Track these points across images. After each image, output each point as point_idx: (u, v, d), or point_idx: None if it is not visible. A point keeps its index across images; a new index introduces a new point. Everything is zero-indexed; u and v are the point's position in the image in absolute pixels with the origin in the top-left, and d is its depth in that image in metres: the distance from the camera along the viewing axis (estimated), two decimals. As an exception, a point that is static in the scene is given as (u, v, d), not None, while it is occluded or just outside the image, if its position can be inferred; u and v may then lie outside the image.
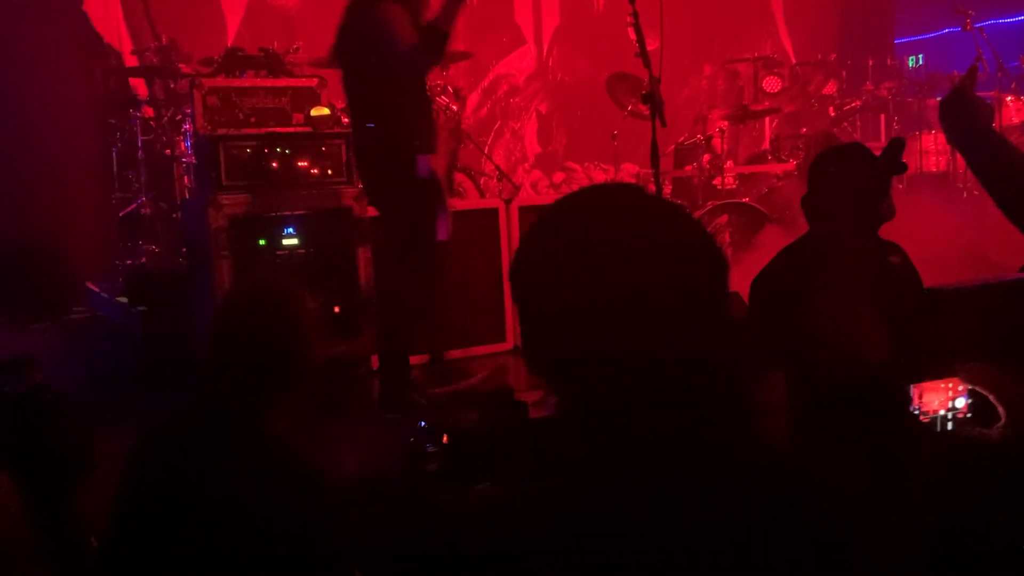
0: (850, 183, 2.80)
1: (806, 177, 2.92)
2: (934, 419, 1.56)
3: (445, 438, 2.83)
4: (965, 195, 7.11)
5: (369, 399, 4.23)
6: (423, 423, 2.89)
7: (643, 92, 4.10)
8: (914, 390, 1.56)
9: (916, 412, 1.57)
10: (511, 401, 3.07)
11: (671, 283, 0.97)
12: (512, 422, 2.86)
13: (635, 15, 4.01)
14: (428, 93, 4.29)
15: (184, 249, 5.07)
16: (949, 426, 1.55)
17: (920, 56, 9.55)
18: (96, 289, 5.95)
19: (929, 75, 8.49)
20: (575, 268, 0.98)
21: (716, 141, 6.16)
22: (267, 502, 1.62)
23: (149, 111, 5.91)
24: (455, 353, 4.93)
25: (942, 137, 7.66)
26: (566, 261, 0.99)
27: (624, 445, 0.96)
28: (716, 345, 1.00)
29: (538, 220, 1.07)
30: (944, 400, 1.56)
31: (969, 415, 1.57)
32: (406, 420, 3.69)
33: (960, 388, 1.56)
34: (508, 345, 5.12)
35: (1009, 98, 7.71)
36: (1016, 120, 7.80)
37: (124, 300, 5.28)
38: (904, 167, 3.10)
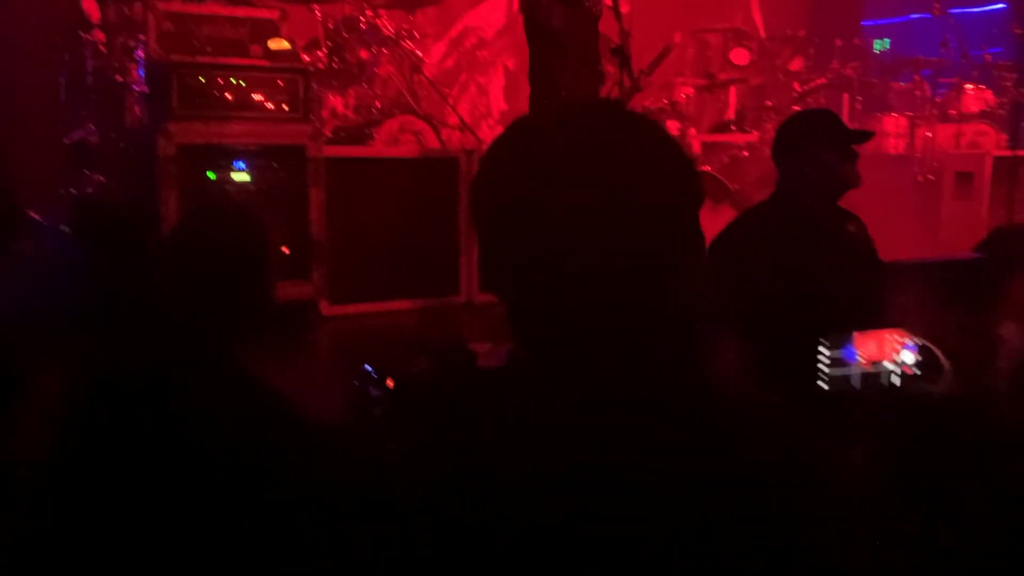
0: (816, 150, 2.80)
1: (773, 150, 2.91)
2: (877, 371, 1.53)
3: (391, 383, 2.78)
4: (921, 179, 7.18)
5: (316, 344, 4.15)
6: (368, 367, 2.83)
7: (612, 47, 4.04)
8: (855, 338, 1.53)
9: (838, 364, 1.54)
10: (461, 350, 3.01)
11: (642, 209, 0.91)
12: (461, 370, 2.80)
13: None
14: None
15: (131, 180, 4.90)
16: (896, 381, 1.53)
17: (886, 40, 9.59)
18: (39, 218, 5.74)
19: (894, 59, 8.53)
20: (540, 185, 0.92)
21: (682, 107, 6.12)
22: (238, 428, 1.55)
23: (100, 35, 5.67)
24: (405, 304, 4.85)
25: (903, 120, 7.72)
26: (531, 178, 0.93)
27: (572, 386, 0.92)
28: (681, 286, 0.95)
29: (505, 132, 1.02)
30: (887, 351, 1.54)
31: (917, 372, 1.55)
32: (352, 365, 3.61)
33: (905, 340, 1.54)
34: (461, 298, 5.05)
35: (969, 86, 7.77)
36: (975, 109, 7.88)
37: (67, 230, 5.10)
38: (870, 134, 3.11)
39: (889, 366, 1.49)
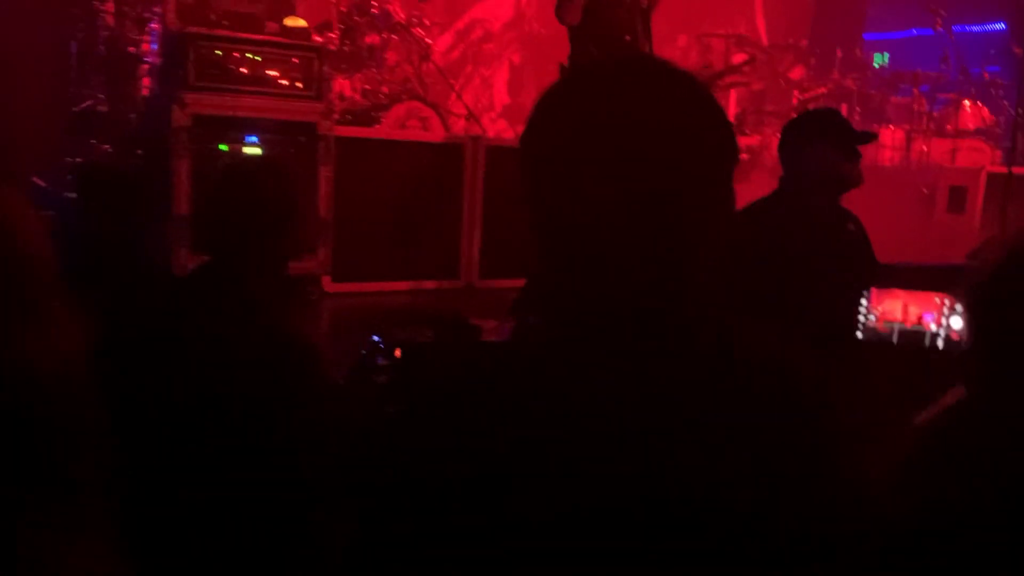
0: (821, 146, 2.88)
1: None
2: (919, 331, 1.58)
3: (398, 352, 2.82)
4: (915, 191, 7.27)
5: (320, 319, 4.21)
6: (376, 337, 2.87)
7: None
8: (900, 294, 1.58)
9: (879, 322, 1.57)
10: (465, 324, 3.07)
11: (680, 161, 0.93)
12: (466, 341, 2.86)
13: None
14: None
15: (139, 151, 4.94)
16: (939, 343, 1.56)
17: (886, 54, 9.69)
18: (42, 184, 5.76)
19: (893, 73, 8.62)
20: (581, 139, 0.94)
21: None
22: (255, 362, 1.61)
23: (112, 7, 5.70)
24: (406, 285, 4.91)
25: (900, 132, 7.82)
26: (573, 133, 0.95)
27: (586, 356, 0.92)
28: (712, 241, 0.96)
29: (552, 87, 1.04)
30: (935, 313, 1.58)
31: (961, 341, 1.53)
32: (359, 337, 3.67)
33: (953, 306, 1.57)
34: (460, 283, 5.12)
35: (967, 102, 7.88)
36: (971, 126, 7.98)
37: (72, 196, 5.13)
38: (874, 136, 3.19)
39: (935, 328, 1.52)
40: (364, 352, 2.82)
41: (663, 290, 0.93)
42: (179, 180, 4.01)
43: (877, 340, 1.55)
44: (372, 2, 5.83)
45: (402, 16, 5.94)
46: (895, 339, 1.53)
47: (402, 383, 2.68)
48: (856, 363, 1.52)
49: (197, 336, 1.70)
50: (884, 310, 1.61)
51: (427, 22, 6.19)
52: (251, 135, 4.24)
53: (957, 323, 1.54)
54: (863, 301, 1.72)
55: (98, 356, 1.75)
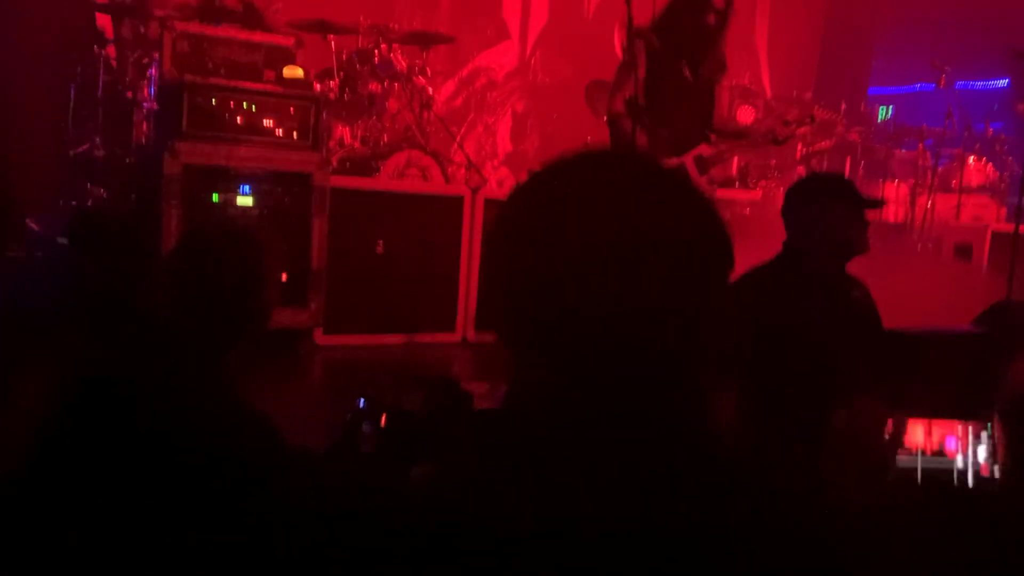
0: (828, 211, 2.80)
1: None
2: (946, 466, 1.43)
3: (384, 419, 2.73)
4: (920, 247, 7.21)
5: (308, 372, 4.10)
6: (362, 401, 2.78)
7: (627, 96, 4.06)
8: (918, 422, 1.46)
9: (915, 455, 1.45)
10: (457, 389, 2.97)
11: (667, 266, 0.89)
12: (457, 410, 2.76)
13: (629, 18, 3.96)
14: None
15: (133, 196, 4.88)
16: (969, 480, 1.41)
17: (890, 108, 9.70)
18: (36, 228, 5.70)
19: (897, 127, 8.61)
20: (562, 236, 0.89)
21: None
22: (219, 447, 1.52)
23: (113, 51, 5.69)
24: (400, 338, 4.81)
25: (904, 187, 7.77)
26: (551, 227, 0.90)
27: (573, 433, 0.89)
28: (697, 345, 0.91)
29: (529, 179, 0.98)
30: (958, 441, 1.46)
31: (995, 474, 1.40)
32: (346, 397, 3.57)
33: (978, 433, 1.45)
34: (457, 336, 5.02)
35: (971, 158, 7.85)
36: (975, 182, 7.94)
37: (64, 240, 5.06)
38: (882, 202, 3.10)
39: (961, 462, 1.38)
40: (349, 417, 2.73)
41: (645, 388, 0.90)
42: (168, 229, 3.93)
43: (898, 478, 1.41)
44: (375, 51, 5.80)
45: (404, 65, 5.92)
46: (919, 477, 1.40)
47: (386, 453, 2.59)
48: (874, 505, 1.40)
49: (153, 404, 1.63)
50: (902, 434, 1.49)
51: (430, 71, 6.16)
52: (244, 185, 4.17)
53: (983, 453, 1.42)
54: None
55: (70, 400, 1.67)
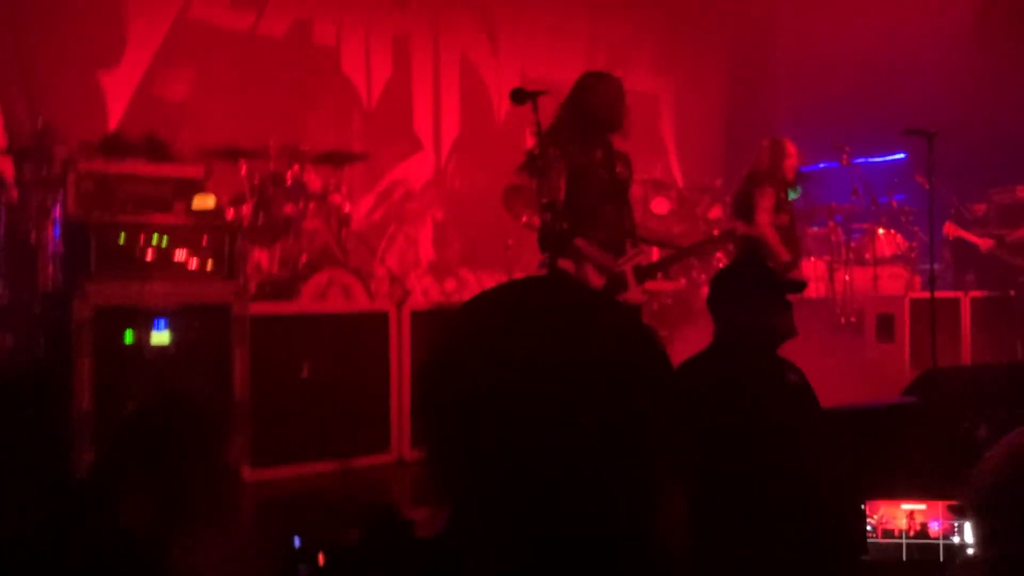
0: (751, 302, 2.80)
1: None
2: (933, 545, 1.39)
3: (321, 559, 2.59)
4: (843, 321, 7.35)
5: (237, 513, 3.89)
6: (298, 540, 2.64)
7: (544, 201, 4.08)
8: (897, 504, 1.41)
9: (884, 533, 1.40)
10: (396, 518, 2.84)
11: (603, 396, 0.86)
12: (398, 541, 2.63)
13: (538, 125, 4.01)
14: None
15: (42, 343, 4.67)
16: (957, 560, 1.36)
17: (799, 188, 10.00)
18: (-63, 383, 5.41)
19: (808, 205, 8.87)
20: (496, 371, 0.86)
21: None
22: None
23: (14, 195, 5.53)
24: (333, 464, 4.63)
25: (820, 264, 7.96)
26: (488, 364, 0.87)
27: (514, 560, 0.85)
28: (642, 470, 0.89)
29: (460, 313, 0.94)
30: (942, 522, 1.41)
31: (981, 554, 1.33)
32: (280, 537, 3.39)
33: (961, 511, 1.39)
34: (391, 457, 4.86)
35: (880, 230, 8.11)
36: (887, 253, 8.19)
37: (-33, 396, 4.80)
38: (803, 285, 3.13)
39: (945, 539, 1.33)
40: (284, 559, 2.58)
41: (588, 516, 0.86)
42: (80, 376, 3.75)
43: (884, 558, 1.36)
44: (287, 173, 5.77)
45: (318, 185, 5.89)
46: (903, 555, 1.35)
47: (326, 597, 2.44)
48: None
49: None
50: (882, 519, 1.44)
51: (345, 188, 6.15)
52: (160, 320, 4.02)
53: (968, 534, 1.34)
54: (866, 518, 1.55)
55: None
